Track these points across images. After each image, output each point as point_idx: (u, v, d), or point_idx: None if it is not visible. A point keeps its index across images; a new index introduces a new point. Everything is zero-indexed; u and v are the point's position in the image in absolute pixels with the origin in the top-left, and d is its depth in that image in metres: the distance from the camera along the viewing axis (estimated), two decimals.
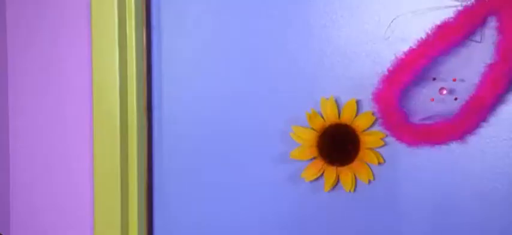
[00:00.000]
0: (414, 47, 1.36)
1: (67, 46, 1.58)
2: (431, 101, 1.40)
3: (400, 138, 1.41)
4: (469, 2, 1.35)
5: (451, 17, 1.35)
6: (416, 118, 1.41)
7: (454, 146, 1.41)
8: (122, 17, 1.54)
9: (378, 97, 1.40)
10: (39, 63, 1.60)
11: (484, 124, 1.39)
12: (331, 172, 1.45)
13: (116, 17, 1.53)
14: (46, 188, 1.62)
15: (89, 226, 1.60)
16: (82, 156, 1.59)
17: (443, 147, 1.42)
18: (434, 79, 1.40)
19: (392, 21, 1.42)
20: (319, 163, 1.45)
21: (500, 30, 1.34)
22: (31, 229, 1.64)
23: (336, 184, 1.47)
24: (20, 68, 1.61)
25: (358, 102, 1.43)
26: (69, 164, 1.60)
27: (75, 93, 1.58)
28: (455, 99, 1.39)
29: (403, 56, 1.37)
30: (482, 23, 1.36)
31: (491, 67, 1.34)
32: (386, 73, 1.38)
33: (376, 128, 1.43)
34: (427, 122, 1.40)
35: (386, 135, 1.43)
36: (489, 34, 1.36)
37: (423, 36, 1.36)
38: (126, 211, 1.58)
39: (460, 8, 1.35)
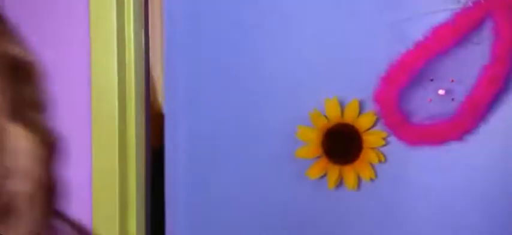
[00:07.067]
0: (412, 49, 1.38)
1: (66, 48, 1.57)
2: (428, 101, 1.42)
3: (400, 138, 1.43)
4: (466, 4, 1.37)
5: (449, 19, 1.37)
6: (416, 119, 1.43)
7: (453, 145, 1.43)
8: (121, 19, 1.54)
9: (378, 97, 1.41)
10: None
11: (482, 123, 1.41)
12: (334, 171, 1.47)
13: (115, 19, 1.53)
14: None
15: (87, 226, 1.59)
16: (81, 157, 1.58)
17: (443, 146, 1.43)
18: (432, 80, 1.42)
19: (392, 24, 1.43)
20: (323, 162, 1.47)
21: (496, 31, 1.36)
22: None
23: (340, 182, 1.48)
24: None
25: (360, 103, 1.45)
26: (68, 164, 1.59)
27: (74, 95, 1.58)
28: (452, 99, 1.41)
29: (401, 57, 1.38)
30: (480, 25, 1.37)
31: (487, 68, 1.36)
32: (385, 74, 1.39)
33: (378, 128, 1.45)
34: (427, 122, 1.42)
35: (388, 135, 1.44)
36: (486, 35, 1.38)
37: (421, 38, 1.37)
38: (125, 212, 1.58)
39: (457, 10, 1.37)
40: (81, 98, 1.57)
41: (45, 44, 1.58)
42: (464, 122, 1.39)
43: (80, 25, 1.55)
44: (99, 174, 1.56)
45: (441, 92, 1.41)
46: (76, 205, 1.64)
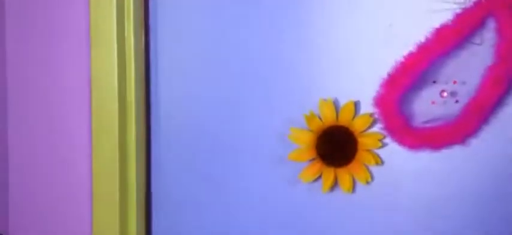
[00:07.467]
0: (414, 51, 1.36)
1: (66, 48, 1.58)
2: (432, 103, 1.40)
3: (402, 142, 1.41)
4: (467, 4, 1.35)
5: (450, 20, 1.35)
6: (417, 122, 1.41)
7: (455, 148, 1.40)
8: (121, 19, 1.55)
9: (379, 101, 1.39)
10: (38, 65, 1.60)
11: (485, 126, 1.38)
12: (329, 173, 1.45)
13: (115, 19, 1.53)
14: (45, 188, 1.63)
15: (87, 226, 1.60)
16: (81, 156, 1.59)
17: (443, 149, 1.41)
18: (434, 82, 1.40)
19: (391, 24, 1.42)
20: (317, 165, 1.45)
21: (499, 31, 1.33)
22: (30, 230, 1.64)
23: (334, 185, 1.47)
24: (19, 70, 1.62)
25: (356, 104, 1.43)
26: (68, 164, 1.61)
27: (74, 94, 1.58)
28: (456, 101, 1.38)
29: (403, 60, 1.37)
30: (481, 25, 1.35)
31: (491, 69, 1.34)
32: (387, 77, 1.38)
33: (375, 130, 1.43)
34: (429, 125, 1.40)
35: (385, 137, 1.42)
36: (488, 36, 1.36)
37: (422, 39, 1.35)
38: (125, 211, 1.59)
39: (458, 10, 1.35)
40: (81, 98, 1.57)
41: (45, 45, 1.59)
42: (468, 125, 1.37)
43: (80, 25, 1.56)
44: (99, 174, 1.57)
45: (445, 94, 1.39)
46: (76, 206, 1.66)
